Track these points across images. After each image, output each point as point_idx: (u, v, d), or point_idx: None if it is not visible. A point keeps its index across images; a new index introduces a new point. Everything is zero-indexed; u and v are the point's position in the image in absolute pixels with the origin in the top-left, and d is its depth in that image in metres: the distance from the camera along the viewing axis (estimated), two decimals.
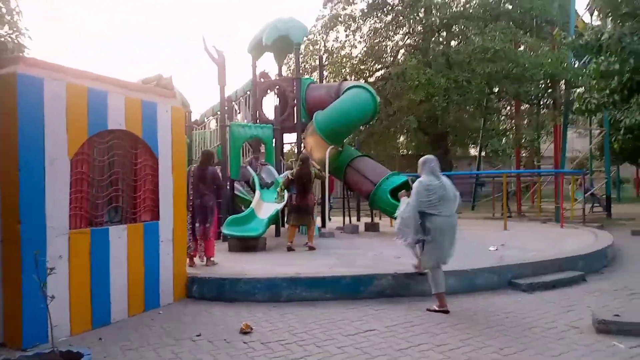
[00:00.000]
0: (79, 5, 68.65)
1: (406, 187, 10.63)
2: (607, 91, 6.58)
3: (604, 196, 18.14)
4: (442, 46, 19.67)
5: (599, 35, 6.48)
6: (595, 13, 7.82)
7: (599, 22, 11.42)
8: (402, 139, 25.31)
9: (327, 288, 5.78)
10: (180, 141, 6.00)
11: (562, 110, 17.88)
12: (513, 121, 22.03)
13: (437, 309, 5.26)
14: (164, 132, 5.67)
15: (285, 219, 9.62)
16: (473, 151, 26.49)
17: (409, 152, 27.25)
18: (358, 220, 13.32)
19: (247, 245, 8.19)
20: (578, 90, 16.67)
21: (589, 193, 17.92)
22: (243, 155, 10.95)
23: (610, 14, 6.49)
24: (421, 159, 5.48)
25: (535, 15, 18.89)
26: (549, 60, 16.28)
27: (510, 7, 19.69)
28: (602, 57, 6.57)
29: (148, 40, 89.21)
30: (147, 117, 5.44)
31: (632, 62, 5.86)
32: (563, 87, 18.48)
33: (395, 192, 10.17)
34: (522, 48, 18.39)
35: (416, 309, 5.36)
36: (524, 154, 22.72)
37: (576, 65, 17.12)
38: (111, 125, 5.04)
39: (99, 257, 4.84)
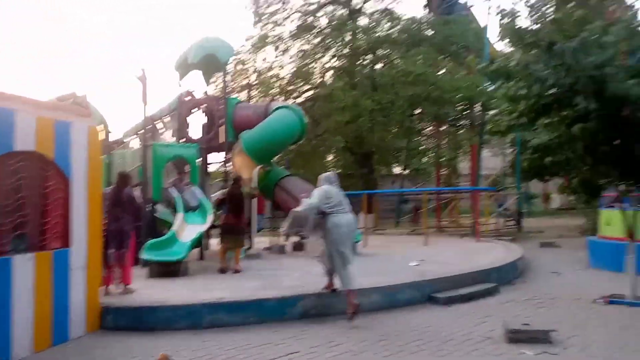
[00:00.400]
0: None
1: None
2: (516, 114, 7.12)
3: (516, 211, 19.38)
4: (367, 69, 20.38)
5: (507, 63, 7.01)
6: (506, 41, 8.52)
7: (510, 49, 12.32)
8: (330, 158, 25.73)
9: (251, 312, 5.69)
10: (96, 162, 5.72)
11: (478, 131, 19.05)
12: (434, 141, 23.11)
13: (352, 310, 5.55)
14: (79, 154, 5.38)
15: (219, 240, 9.38)
16: (398, 169, 27.46)
17: (338, 172, 27.69)
18: (286, 240, 13.28)
19: (168, 270, 7.88)
20: (491, 112, 17.82)
21: (502, 208, 19.12)
22: (167, 176, 10.62)
23: (517, 43, 7.04)
24: (323, 175, 6.35)
25: (454, 41, 20.10)
26: (466, 84, 17.36)
27: (431, 32, 20.80)
28: (511, 83, 7.10)
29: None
30: (60, 137, 5.15)
31: (538, 87, 6.37)
32: (479, 109, 19.72)
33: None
34: (442, 72, 19.45)
35: (340, 328, 5.41)
36: (444, 172, 23.85)
37: (490, 89, 18.36)
38: (19, 146, 4.72)
39: (0, 289, 4.45)
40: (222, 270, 8.21)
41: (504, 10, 6.51)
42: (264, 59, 20.10)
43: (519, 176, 19.53)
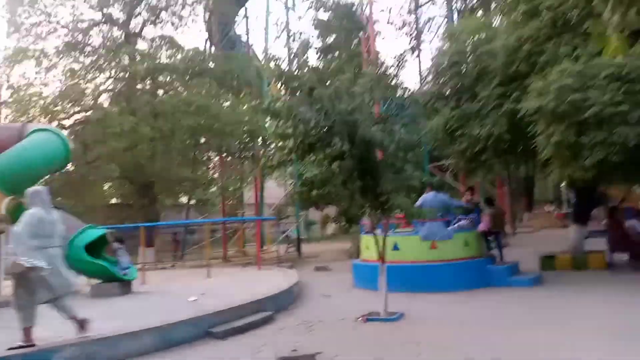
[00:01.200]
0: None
1: (104, 241, 9.87)
2: (286, 150, 7.67)
3: (296, 238, 20.70)
4: (147, 95, 19.55)
5: (275, 103, 7.53)
6: (276, 83, 9.29)
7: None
8: (106, 187, 23.69)
9: None
10: None
11: (259, 163, 19.94)
12: (219, 171, 23.30)
13: (23, 344, 5.08)
14: None
15: None
16: (185, 200, 26.83)
17: (117, 202, 25.71)
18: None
19: None
20: (271, 146, 18.89)
21: (284, 235, 20.26)
22: None
23: (285, 86, 7.64)
24: (31, 190, 5.35)
25: (236, 75, 20.76)
26: (247, 118, 18.06)
27: (212, 65, 21.10)
28: (281, 122, 7.62)
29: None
30: None
31: (302, 127, 6.96)
32: (261, 142, 20.67)
33: (92, 248, 9.39)
34: (225, 104, 19.83)
35: None
36: (230, 202, 24.19)
37: (269, 125, 19.47)
38: None
39: None
40: None
41: (272, 54, 7.05)
42: (23, 75, 17.58)
43: (297, 206, 21.02)
